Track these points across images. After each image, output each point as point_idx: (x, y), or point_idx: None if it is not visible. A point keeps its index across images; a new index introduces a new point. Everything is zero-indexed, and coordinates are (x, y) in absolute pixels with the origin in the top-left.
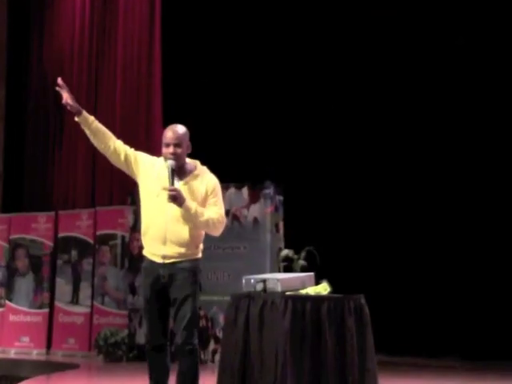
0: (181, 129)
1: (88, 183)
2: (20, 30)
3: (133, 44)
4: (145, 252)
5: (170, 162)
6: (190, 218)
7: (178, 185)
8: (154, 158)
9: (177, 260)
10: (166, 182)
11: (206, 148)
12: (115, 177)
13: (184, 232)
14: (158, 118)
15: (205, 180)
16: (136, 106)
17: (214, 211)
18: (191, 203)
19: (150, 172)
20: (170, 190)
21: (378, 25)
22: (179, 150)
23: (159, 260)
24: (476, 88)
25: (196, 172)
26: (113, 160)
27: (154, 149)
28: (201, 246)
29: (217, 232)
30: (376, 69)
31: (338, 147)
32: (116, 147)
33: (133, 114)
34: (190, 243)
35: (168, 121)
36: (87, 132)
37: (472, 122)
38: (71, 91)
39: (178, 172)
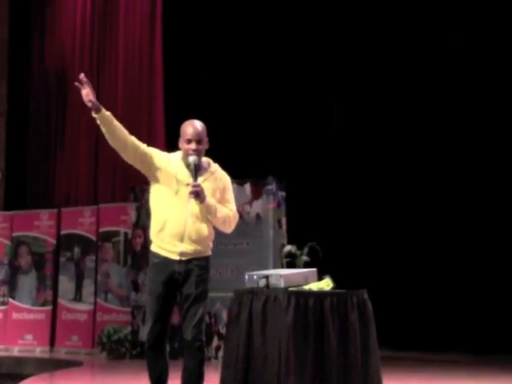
0: (201, 124)
1: (90, 180)
2: (21, 27)
3: (134, 40)
4: (156, 249)
5: (194, 158)
6: (209, 214)
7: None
8: (168, 154)
9: (192, 257)
10: (184, 179)
11: (209, 146)
12: (117, 173)
13: (203, 229)
14: (159, 115)
15: (219, 177)
16: (138, 103)
17: (230, 208)
18: (211, 200)
19: (167, 169)
20: (194, 186)
21: (379, 23)
22: (201, 147)
23: (175, 257)
24: (477, 86)
25: (211, 169)
26: (128, 157)
27: (155, 147)
28: (211, 244)
29: (230, 229)
30: (379, 64)
31: (339, 142)
32: (132, 144)
33: (134, 112)
34: (206, 240)
35: (170, 118)
36: (104, 129)
37: (473, 121)
38: (73, 87)
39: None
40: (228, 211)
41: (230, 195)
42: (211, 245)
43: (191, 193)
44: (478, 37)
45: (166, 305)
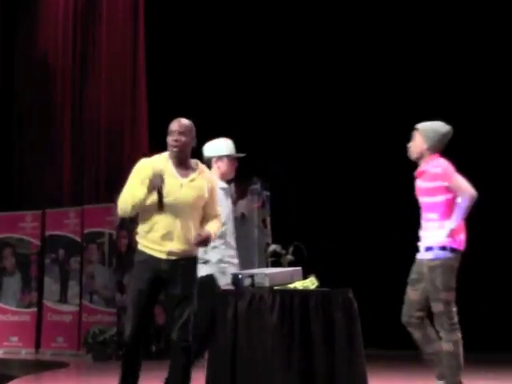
0: (187, 121)
1: (75, 181)
2: (5, 26)
3: (117, 35)
4: (142, 248)
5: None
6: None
7: (185, 181)
8: (151, 160)
9: (180, 257)
10: (169, 177)
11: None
12: (102, 175)
13: (191, 229)
14: (143, 112)
15: (208, 177)
16: (121, 100)
17: (216, 223)
18: (211, 232)
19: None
20: (198, 236)
21: (377, 23)
22: (183, 138)
23: (163, 256)
24: (478, 86)
25: (199, 169)
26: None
27: (138, 142)
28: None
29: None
30: (365, 65)
31: (323, 143)
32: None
33: (118, 109)
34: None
35: (154, 118)
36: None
37: (472, 120)
38: (57, 86)
39: (181, 165)
40: (214, 228)
41: (217, 204)
42: (210, 246)
43: (197, 244)
44: (477, 36)
45: (149, 303)
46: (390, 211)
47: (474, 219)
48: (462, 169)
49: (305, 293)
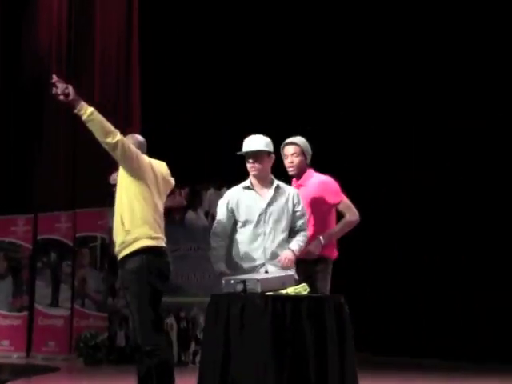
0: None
1: (67, 185)
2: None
3: (111, 37)
4: None
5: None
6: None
7: None
8: None
9: (122, 254)
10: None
11: (185, 150)
12: (94, 178)
13: (120, 212)
14: (136, 120)
15: None
16: (114, 104)
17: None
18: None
19: None
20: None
21: (377, 24)
22: None
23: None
24: (483, 88)
25: None
26: None
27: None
28: (144, 230)
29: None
30: (364, 64)
31: (321, 141)
32: None
33: (112, 113)
34: (126, 226)
35: (148, 119)
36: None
37: (473, 120)
38: (49, 90)
39: None
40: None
41: None
42: (144, 231)
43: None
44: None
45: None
46: (384, 217)
47: (474, 220)
48: (461, 168)
49: (297, 298)
